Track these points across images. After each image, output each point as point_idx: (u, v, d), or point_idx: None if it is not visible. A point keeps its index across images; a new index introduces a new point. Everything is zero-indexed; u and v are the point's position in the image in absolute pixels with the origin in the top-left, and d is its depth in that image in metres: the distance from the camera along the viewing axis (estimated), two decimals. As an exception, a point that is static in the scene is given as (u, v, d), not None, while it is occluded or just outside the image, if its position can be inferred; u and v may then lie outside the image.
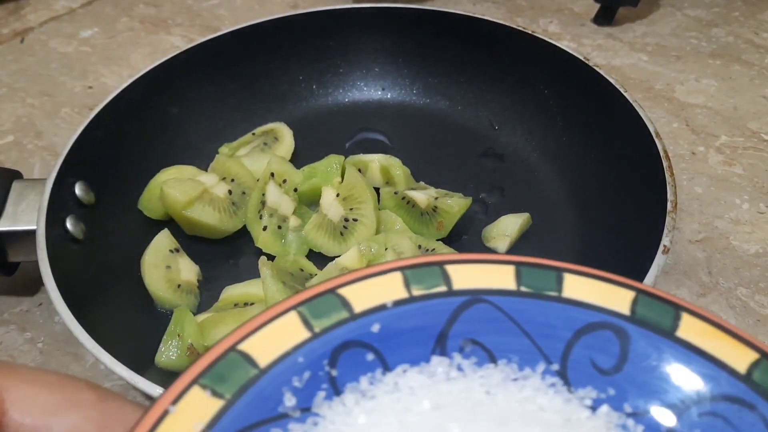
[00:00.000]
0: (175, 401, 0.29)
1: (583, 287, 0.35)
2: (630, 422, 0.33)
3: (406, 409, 0.31)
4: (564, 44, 0.72)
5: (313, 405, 0.31)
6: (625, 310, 0.35)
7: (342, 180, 0.67)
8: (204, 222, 0.65)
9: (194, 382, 0.29)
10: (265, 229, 0.64)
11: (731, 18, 0.97)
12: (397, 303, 0.34)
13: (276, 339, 0.32)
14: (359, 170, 0.68)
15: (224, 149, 0.75)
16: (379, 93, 0.83)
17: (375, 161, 0.70)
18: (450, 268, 0.35)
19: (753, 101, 0.84)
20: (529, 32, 0.75)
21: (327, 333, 0.33)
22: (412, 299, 0.34)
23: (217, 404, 0.29)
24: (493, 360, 0.34)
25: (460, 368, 0.34)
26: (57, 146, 0.80)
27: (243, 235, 0.67)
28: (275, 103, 0.81)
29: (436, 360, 0.34)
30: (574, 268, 0.36)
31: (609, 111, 0.69)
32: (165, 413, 0.28)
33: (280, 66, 0.81)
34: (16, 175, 0.63)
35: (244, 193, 0.68)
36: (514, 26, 0.76)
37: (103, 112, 0.67)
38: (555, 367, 0.34)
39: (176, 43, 0.94)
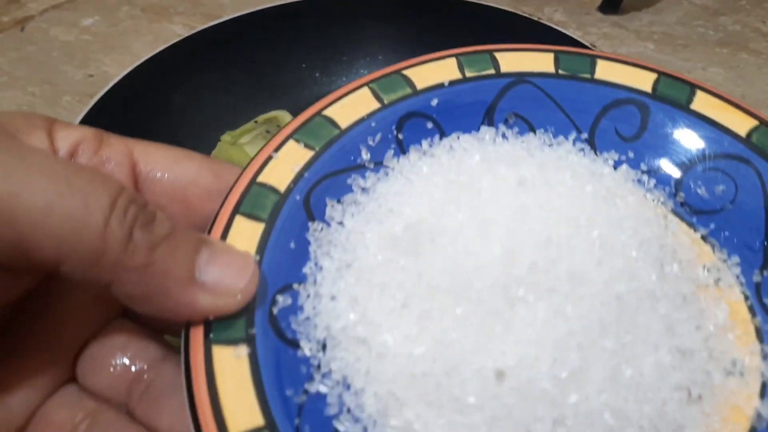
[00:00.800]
0: (275, 150, 0.37)
1: (612, 70, 0.43)
2: (644, 177, 0.41)
3: (461, 161, 0.39)
4: (570, 33, 0.72)
5: (384, 159, 0.39)
6: (648, 88, 0.42)
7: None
8: (207, 209, 0.64)
9: (289, 137, 0.37)
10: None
11: (738, 6, 0.97)
12: (453, 82, 0.41)
13: (353, 107, 0.39)
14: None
15: (226, 137, 0.75)
16: (384, 81, 0.82)
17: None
18: (498, 55, 0.43)
19: (761, 90, 0.84)
20: (536, 19, 0.75)
21: (394, 105, 0.40)
22: (465, 79, 0.42)
23: (309, 153, 0.37)
24: (533, 130, 0.42)
25: (504, 136, 0.41)
26: (58, 134, 0.80)
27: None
28: (278, 91, 0.81)
29: (484, 129, 0.41)
30: (606, 55, 0.44)
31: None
32: (269, 158, 0.36)
33: (283, 53, 0.81)
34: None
35: (246, 179, 0.67)
36: (520, 13, 0.75)
37: (103, 99, 0.67)
38: (584, 135, 0.42)
39: (178, 31, 0.95)
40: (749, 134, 0.41)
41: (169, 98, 0.76)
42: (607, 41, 0.94)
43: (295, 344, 0.34)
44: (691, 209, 0.41)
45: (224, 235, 0.34)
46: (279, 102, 0.81)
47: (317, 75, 0.84)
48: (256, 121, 0.78)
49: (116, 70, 0.90)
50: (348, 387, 0.33)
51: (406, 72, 0.42)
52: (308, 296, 0.35)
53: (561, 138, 0.42)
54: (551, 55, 0.44)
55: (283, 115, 0.78)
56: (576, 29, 0.95)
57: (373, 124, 0.39)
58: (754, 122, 0.41)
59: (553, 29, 0.75)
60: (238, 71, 0.81)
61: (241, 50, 0.80)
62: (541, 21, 0.76)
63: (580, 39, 0.73)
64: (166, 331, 0.40)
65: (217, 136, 0.76)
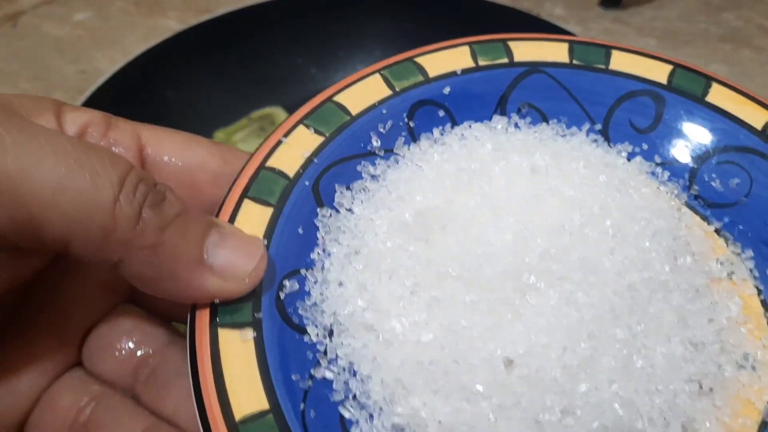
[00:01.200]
0: (285, 135, 0.37)
1: (627, 61, 0.43)
2: (658, 169, 0.41)
3: (472, 149, 0.39)
4: (570, 28, 0.72)
5: (395, 147, 0.40)
6: (663, 79, 0.42)
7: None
8: (201, 204, 0.64)
9: (299, 122, 0.38)
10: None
11: (741, 2, 0.98)
12: (465, 71, 0.41)
13: (364, 94, 0.39)
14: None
15: (219, 134, 0.75)
16: (381, 77, 0.82)
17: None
18: (512, 44, 0.43)
19: (763, 86, 0.84)
20: (535, 15, 0.75)
21: (406, 92, 0.40)
22: (479, 68, 0.42)
23: (319, 139, 0.37)
24: (546, 120, 0.42)
25: (516, 126, 0.41)
26: (49, 130, 0.79)
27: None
28: (273, 87, 0.81)
29: (496, 118, 0.41)
30: (621, 46, 0.44)
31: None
32: (279, 143, 0.37)
33: (278, 49, 0.81)
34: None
35: (241, 175, 0.67)
36: (520, 9, 0.75)
37: (94, 95, 0.66)
38: (598, 126, 0.42)
39: (172, 26, 0.95)
40: (765, 128, 0.41)
41: (161, 94, 0.76)
42: (608, 37, 0.93)
43: (301, 329, 0.34)
44: (705, 202, 0.42)
45: (232, 219, 0.35)
46: (273, 98, 0.81)
47: (313, 71, 0.84)
48: (250, 118, 0.78)
49: (108, 65, 0.90)
50: (354, 373, 0.34)
51: (418, 59, 0.42)
52: (316, 282, 0.36)
53: (574, 129, 0.42)
54: (566, 45, 0.44)
55: (278, 112, 0.78)
56: (576, 24, 0.95)
57: (384, 111, 0.40)
58: None
59: (553, 26, 0.75)
60: (231, 67, 0.81)
61: (235, 46, 0.80)
62: (541, 17, 0.75)
63: (579, 35, 0.72)
64: (173, 317, 0.41)
65: (210, 133, 0.76)
